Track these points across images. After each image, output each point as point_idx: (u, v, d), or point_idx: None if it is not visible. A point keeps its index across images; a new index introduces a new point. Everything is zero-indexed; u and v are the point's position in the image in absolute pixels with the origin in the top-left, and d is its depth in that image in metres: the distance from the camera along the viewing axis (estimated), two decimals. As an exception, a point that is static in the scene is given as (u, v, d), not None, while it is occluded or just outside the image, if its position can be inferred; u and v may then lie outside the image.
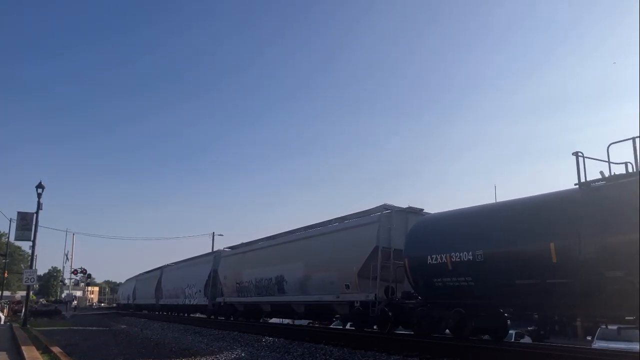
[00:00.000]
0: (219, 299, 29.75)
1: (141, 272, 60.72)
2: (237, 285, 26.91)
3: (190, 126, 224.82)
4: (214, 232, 65.93)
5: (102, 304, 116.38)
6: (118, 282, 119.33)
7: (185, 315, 39.17)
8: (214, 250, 34.65)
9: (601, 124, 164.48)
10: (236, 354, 14.19)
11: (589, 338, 13.38)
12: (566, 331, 12.51)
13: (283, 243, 24.15)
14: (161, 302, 43.92)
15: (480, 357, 11.93)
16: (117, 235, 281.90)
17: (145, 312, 50.56)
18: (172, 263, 45.53)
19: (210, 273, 31.80)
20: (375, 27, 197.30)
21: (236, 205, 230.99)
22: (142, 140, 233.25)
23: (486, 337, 15.10)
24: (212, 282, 31.03)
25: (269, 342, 16.71)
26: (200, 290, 33.07)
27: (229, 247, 31.46)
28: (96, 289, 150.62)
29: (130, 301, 58.74)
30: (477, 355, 12.02)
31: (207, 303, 31.67)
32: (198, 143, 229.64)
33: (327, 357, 13.11)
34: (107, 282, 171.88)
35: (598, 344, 13.34)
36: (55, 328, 28.86)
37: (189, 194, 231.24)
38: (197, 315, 37.15)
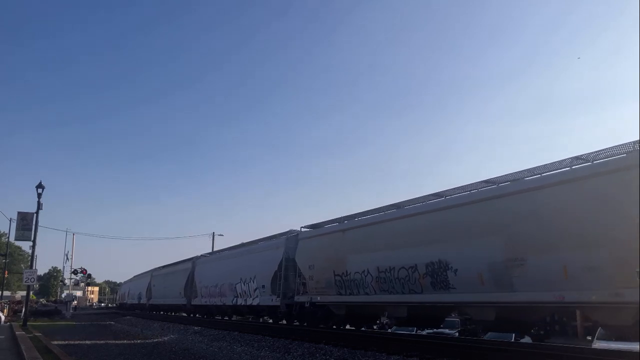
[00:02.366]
0: (300, 298, 21.91)
1: (140, 272, 60.54)
2: (338, 278, 19.12)
3: (182, 121, 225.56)
4: (214, 232, 64.62)
5: (102, 304, 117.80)
6: (118, 282, 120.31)
7: (234, 318, 32.13)
8: (284, 232, 25.39)
9: (589, 127, 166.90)
10: (236, 354, 14.34)
11: (589, 338, 13.17)
12: (566, 331, 13.10)
13: (443, 208, 15.14)
14: (195, 302, 35.52)
15: (480, 357, 12.00)
16: (117, 235, 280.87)
17: (162, 313, 45.21)
18: (208, 253, 40.06)
19: (281, 263, 23.67)
20: (361, 25, 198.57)
21: (236, 205, 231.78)
22: (142, 140, 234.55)
23: (487, 336, 15.98)
24: (284, 275, 23.39)
25: (269, 342, 16.89)
26: (264, 287, 24.94)
27: (308, 226, 23.11)
28: (96, 289, 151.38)
29: (143, 301, 52.07)
30: (477, 355, 12.10)
31: (277, 303, 23.60)
32: (191, 137, 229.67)
33: (327, 357, 13.23)
34: (107, 282, 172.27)
35: (598, 344, 12.98)
36: (56, 328, 29.10)
37: (188, 193, 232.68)
38: (261, 320, 29.73)
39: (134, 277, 64.15)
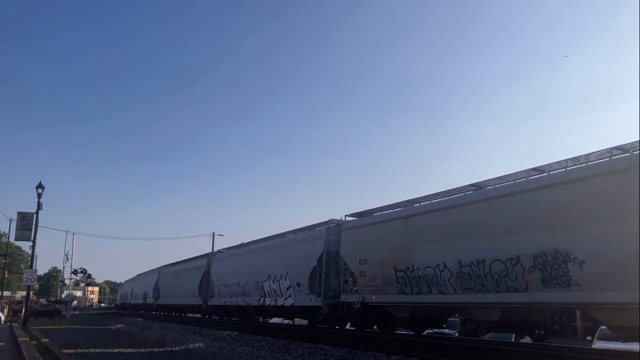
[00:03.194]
0: (348, 298, 18.33)
1: (142, 271, 58.74)
2: (401, 274, 15.69)
3: (182, 121, 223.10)
4: (214, 232, 63.91)
5: (102, 304, 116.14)
6: (118, 282, 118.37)
7: (261, 321, 29.23)
8: (323, 222, 21.55)
9: (589, 127, 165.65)
10: (236, 354, 14.00)
11: (589, 338, 13.04)
12: (566, 331, 12.55)
13: (560, 183, 11.91)
14: (212, 302, 32.03)
15: (480, 357, 11.78)
16: (117, 235, 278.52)
17: (175, 314, 41.74)
18: (225, 249, 35.50)
19: (321, 257, 20.00)
20: (361, 25, 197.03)
21: (236, 205, 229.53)
22: (142, 140, 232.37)
23: (487, 336, 14.96)
24: (325, 271, 19.64)
25: (269, 342, 16.55)
26: (299, 285, 21.30)
27: (353, 214, 19.51)
28: (96, 289, 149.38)
29: (150, 301, 48.18)
30: (477, 355, 11.86)
31: (318, 304, 19.68)
32: (191, 137, 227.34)
33: (327, 357, 12.99)
34: (107, 282, 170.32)
35: (598, 344, 13.15)
36: (56, 328, 28.40)
37: (188, 193, 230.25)
38: (292, 322, 26.52)
39: (138, 275, 60.86)
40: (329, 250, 20.08)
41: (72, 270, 65.75)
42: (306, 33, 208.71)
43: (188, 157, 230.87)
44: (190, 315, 40.23)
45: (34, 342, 17.67)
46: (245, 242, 30.85)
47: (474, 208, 13.87)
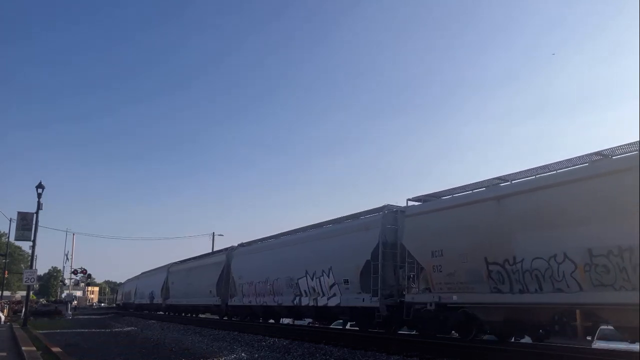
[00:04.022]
0: (418, 298, 15.17)
1: (141, 271, 56.50)
2: (496, 267, 12.70)
3: (182, 121, 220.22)
4: (214, 232, 62.81)
5: (102, 304, 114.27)
6: (118, 282, 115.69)
7: (295, 323, 25.51)
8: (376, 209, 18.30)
9: (589, 127, 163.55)
10: (236, 354, 13.77)
11: (589, 338, 12.10)
12: (566, 331, 11.59)
13: None
14: (233, 302, 28.11)
15: (480, 357, 11.59)
16: (117, 235, 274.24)
17: (190, 316, 37.69)
18: (246, 243, 30.13)
19: (376, 249, 16.81)
20: (361, 25, 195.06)
21: (236, 204, 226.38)
22: (142, 140, 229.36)
23: (487, 337, 14.40)
24: (382, 265, 16.52)
25: (269, 342, 16.31)
26: (346, 282, 18.19)
27: (417, 198, 16.42)
28: (96, 289, 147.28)
29: (157, 301, 44.39)
30: (477, 355, 11.68)
31: (374, 304, 16.45)
32: (191, 137, 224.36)
33: (327, 357, 12.77)
34: (107, 282, 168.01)
35: (598, 344, 12.81)
36: (55, 328, 27.84)
37: (188, 193, 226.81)
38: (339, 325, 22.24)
39: (142, 274, 56.87)
40: (385, 241, 16.75)
41: (72, 270, 65.89)
42: (306, 33, 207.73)
43: (188, 157, 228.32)
44: (202, 316, 36.80)
45: (34, 342, 17.28)
46: (274, 234, 26.93)
47: (606, 181, 10.54)
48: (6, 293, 67.75)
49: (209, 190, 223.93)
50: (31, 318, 35.05)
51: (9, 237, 58.78)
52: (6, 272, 58.02)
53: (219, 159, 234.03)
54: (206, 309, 34.34)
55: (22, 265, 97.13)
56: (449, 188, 15.60)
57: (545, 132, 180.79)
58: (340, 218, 21.09)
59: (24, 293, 51.87)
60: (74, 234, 76.71)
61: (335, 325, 24.32)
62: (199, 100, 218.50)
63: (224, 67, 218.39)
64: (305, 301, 20.84)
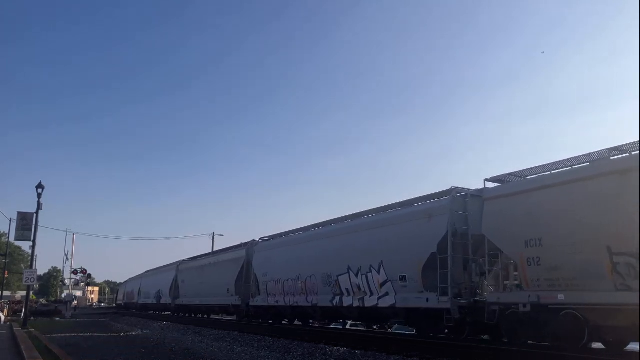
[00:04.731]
0: (513, 297, 12.45)
1: (141, 271, 54.60)
2: None
3: (182, 121, 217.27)
4: (214, 232, 61.20)
5: (102, 304, 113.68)
6: (118, 282, 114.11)
7: (332, 326, 22.90)
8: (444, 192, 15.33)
9: (589, 127, 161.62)
10: (236, 354, 13.72)
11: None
12: None
13: None
14: (256, 302, 25.20)
15: (480, 357, 11.36)
16: (117, 235, 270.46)
17: (206, 317, 34.62)
18: (269, 237, 27.06)
19: (444, 239, 14.20)
20: (361, 25, 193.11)
21: (235, 204, 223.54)
22: (142, 140, 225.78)
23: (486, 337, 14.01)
24: (452, 259, 13.94)
25: (269, 342, 16.18)
26: (403, 279, 15.52)
27: (512, 174, 13.64)
28: (96, 289, 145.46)
29: (166, 301, 41.59)
30: (477, 355, 11.48)
31: (444, 305, 13.77)
32: (191, 137, 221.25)
33: (327, 357, 12.61)
34: (107, 282, 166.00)
35: (598, 344, 11.93)
36: (56, 328, 27.37)
37: (188, 193, 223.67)
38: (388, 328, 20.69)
39: (147, 272, 53.81)
40: (454, 230, 14.00)
41: (72, 270, 65.41)
42: (306, 33, 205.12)
43: (188, 157, 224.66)
44: (215, 317, 33.87)
45: (34, 342, 17.05)
46: (303, 226, 23.81)
47: None
48: (6, 293, 66.99)
49: (209, 190, 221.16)
50: (31, 318, 34.42)
51: (9, 237, 58.66)
52: (6, 272, 57.53)
53: (219, 159, 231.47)
54: (222, 309, 31.53)
55: (22, 265, 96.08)
56: (536, 166, 12.92)
57: (545, 132, 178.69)
58: (392, 205, 17.96)
59: (24, 293, 51.14)
60: (74, 234, 75.80)
61: (335, 325, 23.37)
62: (199, 100, 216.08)
63: (224, 67, 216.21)
64: (347, 301, 17.93)
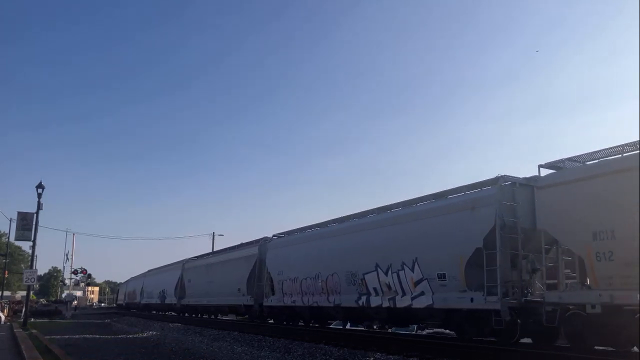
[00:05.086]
0: None
1: (141, 271, 53.59)
2: None
3: (182, 121, 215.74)
4: (214, 232, 60.66)
5: (102, 304, 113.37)
6: (118, 282, 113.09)
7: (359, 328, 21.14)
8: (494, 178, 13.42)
9: (589, 127, 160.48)
10: (236, 354, 13.71)
11: None
12: None
13: None
14: (270, 302, 23.52)
15: (480, 357, 11.29)
16: (117, 235, 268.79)
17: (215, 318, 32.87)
18: (282, 233, 25.42)
19: (493, 231, 12.74)
20: (361, 25, 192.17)
21: (235, 204, 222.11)
22: (142, 140, 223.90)
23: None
24: (501, 253, 12.46)
25: (269, 342, 16.17)
26: (442, 277, 14.04)
27: None
28: (96, 289, 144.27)
29: (170, 300, 39.92)
30: (477, 355, 11.41)
31: (494, 306, 12.23)
32: (191, 137, 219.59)
33: (327, 357, 12.53)
34: (107, 282, 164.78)
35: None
36: (56, 328, 27.51)
37: (188, 193, 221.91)
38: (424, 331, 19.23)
39: (149, 271, 52.13)
40: (502, 223, 12.50)
41: (72, 270, 65.12)
42: (306, 33, 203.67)
43: (188, 157, 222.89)
44: (223, 318, 32.40)
45: (34, 342, 17.10)
46: (322, 221, 21.91)
47: None
48: (6, 293, 66.42)
49: (209, 190, 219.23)
50: (31, 318, 34.30)
51: (9, 237, 58.71)
52: (6, 272, 57.30)
53: (219, 159, 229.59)
54: (232, 309, 29.90)
55: (22, 265, 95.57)
56: (596, 150, 11.63)
57: (545, 132, 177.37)
58: (424, 197, 16.40)
59: (24, 293, 50.71)
60: (74, 234, 75.04)
61: (336, 325, 22.59)
62: (199, 100, 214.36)
63: (224, 67, 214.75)
64: (375, 301, 16.40)
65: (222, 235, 62.79)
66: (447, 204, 14.85)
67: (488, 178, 13.80)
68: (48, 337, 19.72)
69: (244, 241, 27.52)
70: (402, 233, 15.84)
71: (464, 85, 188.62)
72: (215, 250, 33.84)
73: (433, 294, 14.22)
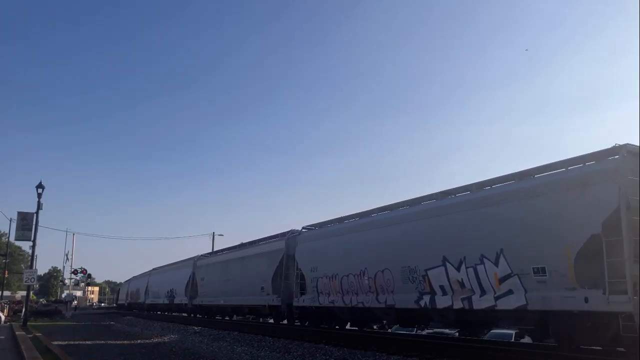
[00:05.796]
0: None
1: (144, 270, 51.88)
2: None
3: (182, 121, 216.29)
4: (214, 232, 60.38)
5: (102, 304, 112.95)
6: (118, 282, 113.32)
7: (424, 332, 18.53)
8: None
9: (589, 127, 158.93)
10: (236, 354, 13.64)
11: None
12: None
13: None
14: (301, 301, 20.89)
15: (480, 357, 11.25)
16: (117, 235, 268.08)
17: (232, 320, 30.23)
18: (311, 226, 22.48)
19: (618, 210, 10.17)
20: (360, 25, 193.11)
21: (235, 204, 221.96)
22: (142, 140, 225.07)
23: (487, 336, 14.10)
24: None
25: (269, 342, 16.15)
26: (540, 270, 11.33)
27: None
28: (96, 289, 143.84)
29: (180, 300, 37.19)
30: (477, 355, 11.37)
31: (615, 307, 9.88)
32: (191, 137, 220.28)
33: (327, 357, 12.43)
34: (107, 282, 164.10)
35: None
36: (56, 328, 27.65)
37: (188, 193, 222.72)
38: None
39: (156, 269, 49.27)
40: (627, 203, 9.94)
41: (72, 270, 65.07)
42: (306, 33, 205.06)
43: (188, 157, 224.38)
44: (240, 319, 29.89)
45: (34, 342, 17.11)
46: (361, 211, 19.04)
47: None
48: (6, 293, 66.63)
49: (209, 190, 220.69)
50: (31, 318, 34.31)
51: (9, 237, 58.61)
52: (6, 272, 57.04)
53: (219, 159, 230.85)
54: (253, 310, 27.12)
55: (22, 265, 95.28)
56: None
57: (545, 132, 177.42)
58: (503, 176, 13.38)
59: (24, 293, 50.69)
60: (74, 234, 74.83)
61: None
62: (199, 100, 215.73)
63: (224, 67, 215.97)
64: (443, 302, 13.68)
65: (222, 235, 62.46)
66: (546, 183, 11.88)
67: (597, 150, 11.07)
68: (48, 337, 19.39)
69: (244, 241, 26.59)
70: (479, 220, 13.04)
71: (464, 85, 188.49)
72: (234, 244, 30.49)
73: (526, 292, 11.58)
